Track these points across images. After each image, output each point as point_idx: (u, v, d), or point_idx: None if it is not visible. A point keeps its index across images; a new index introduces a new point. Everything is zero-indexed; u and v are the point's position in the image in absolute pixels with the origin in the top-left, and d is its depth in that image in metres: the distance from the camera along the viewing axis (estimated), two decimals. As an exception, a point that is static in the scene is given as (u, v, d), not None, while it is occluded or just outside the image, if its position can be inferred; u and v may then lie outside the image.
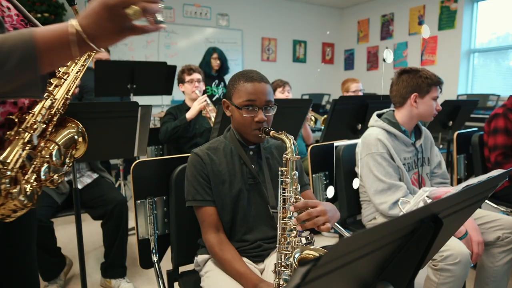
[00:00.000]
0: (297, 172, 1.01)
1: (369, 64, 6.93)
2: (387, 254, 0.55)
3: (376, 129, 1.69)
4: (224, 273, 1.12)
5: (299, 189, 0.99)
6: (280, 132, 1.10)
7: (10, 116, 0.81)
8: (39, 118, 0.85)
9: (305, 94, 6.07)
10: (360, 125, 2.41)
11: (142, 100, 2.64)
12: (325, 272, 0.41)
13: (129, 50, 5.18)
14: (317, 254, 0.84)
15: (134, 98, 2.84)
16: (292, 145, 1.04)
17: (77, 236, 1.61)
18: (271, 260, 1.19)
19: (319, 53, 7.31)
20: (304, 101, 2.25)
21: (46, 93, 0.88)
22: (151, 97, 3.41)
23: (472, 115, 3.44)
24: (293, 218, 0.93)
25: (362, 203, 1.81)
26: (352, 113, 2.40)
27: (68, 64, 0.95)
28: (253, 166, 1.22)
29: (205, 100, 2.48)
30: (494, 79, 5.29)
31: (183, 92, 2.72)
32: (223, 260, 1.11)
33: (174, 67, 2.93)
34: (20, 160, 0.80)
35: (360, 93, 3.55)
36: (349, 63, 7.38)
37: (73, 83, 0.94)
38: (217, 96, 4.14)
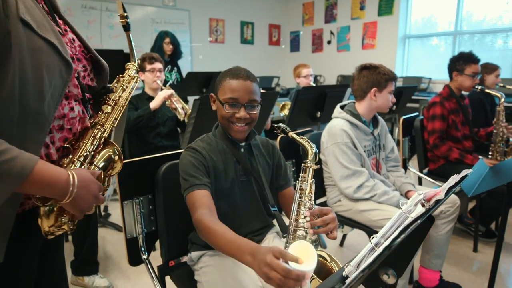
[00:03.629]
0: (314, 180, 1.09)
1: (314, 47, 7.18)
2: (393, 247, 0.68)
3: (340, 121, 1.85)
4: (222, 268, 1.18)
5: (313, 195, 1.09)
6: (301, 136, 1.15)
7: (67, 145, 0.86)
8: (90, 148, 0.88)
9: (255, 77, 6.14)
10: (319, 112, 2.58)
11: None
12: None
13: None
14: (326, 256, 0.96)
15: (89, 88, 2.70)
16: (314, 154, 1.10)
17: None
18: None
19: (266, 34, 7.39)
20: (271, 94, 2.34)
21: (99, 125, 0.92)
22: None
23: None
24: (305, 221, 1.02)
25: (327, 187, 1.99)
26: (312, 102, 2.55)
27: (115, 91, 0.97)
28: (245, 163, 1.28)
29: (172, 93, 2.46)
30: (424, 62, 5.83)
31: (143, 80, 2.66)
32: (214, 231, 0.98)
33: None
34: None
35: (311, 78, 3.73)
36: (295, 45, 7.56)
37: (120, 111, 0.94)
38: (170, 82, 4.05)
